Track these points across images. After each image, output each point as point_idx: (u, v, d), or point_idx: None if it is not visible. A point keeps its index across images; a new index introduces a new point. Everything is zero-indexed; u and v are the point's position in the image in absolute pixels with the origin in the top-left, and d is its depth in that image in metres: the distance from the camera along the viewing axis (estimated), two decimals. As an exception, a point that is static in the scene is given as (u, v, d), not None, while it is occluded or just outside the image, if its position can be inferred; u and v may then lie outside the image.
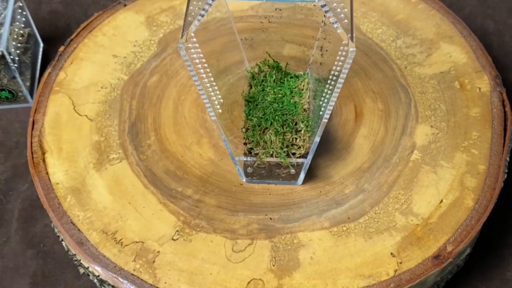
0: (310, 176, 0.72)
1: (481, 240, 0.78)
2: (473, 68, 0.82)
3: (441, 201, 0.70)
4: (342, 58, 0.60)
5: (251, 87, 0.76)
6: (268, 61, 0.77)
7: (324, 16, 0.69)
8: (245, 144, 0.71)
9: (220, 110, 0.70)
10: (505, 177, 0.72)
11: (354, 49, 0.55)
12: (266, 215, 0.69)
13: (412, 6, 0.91)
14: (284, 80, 0.76)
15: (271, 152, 0.68)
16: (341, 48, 0.60)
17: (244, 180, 0.72)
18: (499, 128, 0.76)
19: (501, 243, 0.79)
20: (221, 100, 0.72)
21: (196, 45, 0.63)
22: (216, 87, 0.70)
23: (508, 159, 0.73)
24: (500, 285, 0.76)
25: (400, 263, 0.65)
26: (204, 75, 0.66)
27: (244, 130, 0.71)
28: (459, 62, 0.83)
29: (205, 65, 0.66)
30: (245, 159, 0.69)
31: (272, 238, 0.67)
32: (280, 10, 0.89)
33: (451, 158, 0.73)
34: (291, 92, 0.74)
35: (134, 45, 0.85)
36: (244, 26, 0.88)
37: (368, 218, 0.68)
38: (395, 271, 0.64)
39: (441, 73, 0.82)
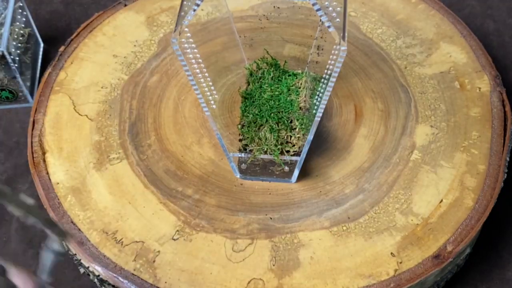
0: (310, 176, 0.72)
1: (481, 240, 0.78)
2: (473, 68, 0.82)
3: (441, 201, 0.70)
4: (335, 57, 0.60)
5: (248, 84, 0.76)
6: (267, 58, 0.77)
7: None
8: (240, 140, 0.71)
9: (214, 106, 0.70)
10: (505, 177, 0.72)
11: (346, 48, 0.55)
12: (266, 215, 0.69)
13: (412, 6, 0.91)
14: (282, 78, 0.76)
15: (265, 149, 0.68)
16: (334, 47, 0.60)
17: (238, 176, 0.72)
18: (499, 128, 0.76)
19: (501, 243, 0.80)
20: (216, 96, 0.72)
21: (191, 40, 0.63)
22: (211, 83, 0.70)
23: (508, 159, 0.73)
24: (500, 285, 0.76)
25: (400, 262, 0.65)
26: (198, 70, 0.66)
27: (239, 126, 0.72)
28: (459, 62, 0.83)
29: (200, 60, 0.66)
30: (238, 155, 0.69)
31: (272, 238, 0.67)
32: (279, 8, 0.89)
33: (451, 158, 0.73)
34: (288, 90, 0.74)
35: (134, 45, 0.85)
36: (244, 26, 0.88)
37: (368, 218, 0.68)
38: (395, 270, 0.64)
39: (441, 73, 0.82)
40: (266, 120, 0.70)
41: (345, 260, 0.65)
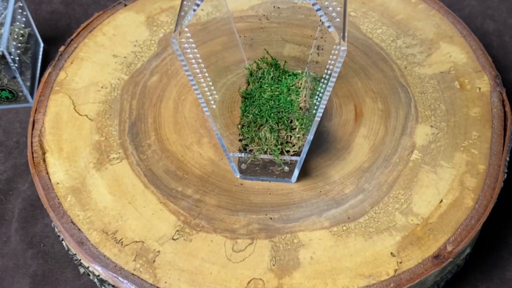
0: (310, 176, 0.72)
1: (481, 240, 0.78)
2: (473, 68, 0.82)
3: (441, 201, 0.70)
4: (335, 57, 0.60)
5: (248, 84, 0.76)
6: (267, 58, 0.77)
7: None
8: (240, 140, 0.71)
9: (214, 106, 0.70)
10: (505, 177, 0.72)
11: (346, 48, 0.55)
12: (266, 214, 0.69)
13: (412, 6, 0.91)
14: (282, 78, 0.76)
15: (265, 149, 0.68)
16: (334, 47, 0.60)
17: (238, 176, 0.72)
18: (499, 128, 0.76)
19: (501, 243, 0.80)
20: (216, 96, 0.72)
21: (191, 40, 0.63)
22: (211, 83, 0.70)
23: (508, 159, 0.73)
24: (500, 285, 0.76)
25: (400, 262, 0.65)
26: (198, 70, 0.66)
27: (239, 126, 0.72)
28: (459, 62, 0.83)
29: (200, 60, 0.66)
30: (239, 155, 0.69)
31: (272, 238, 0.67)
32: (279, 8, 0.89)
33: (451, 158, 0.73)
34: (288, 90, 0.74)
35: (134, 45, 0.86)
36: (244, 26, 0.88)
37: (368, 217, 0.68)
38: (395, 270, 0.64)
39: (441, 73, 0.82)
40: (266, 120, 0.70)
41: (345, 260, 0.65)
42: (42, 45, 1.01)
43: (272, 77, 0.76)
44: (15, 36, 0.92)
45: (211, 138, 0.76)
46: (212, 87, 0.72)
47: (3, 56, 0.85)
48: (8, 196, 0.84)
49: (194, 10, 0.57)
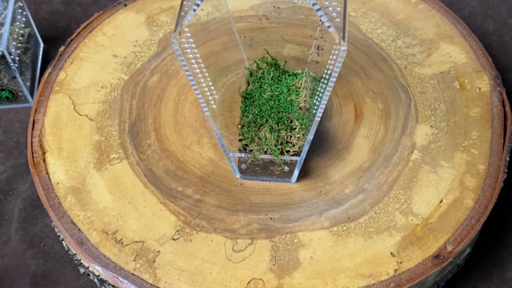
0: (310, 176, 0.72)
1: (481, 240, 0.78)
2: (473, 68, 0.82)
3: (441, 201, 0.70)
4: (335, 57, 0.60)
5: (248, 84, 0.76)
6: (267, 58, 0.77)
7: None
8: (240, 140, 0.71)
9: (214, 106, 0.70)
10: (505, 177, 0.72)
11: (346, 48, 0.55)
12: (266, 214, 0.69)
13: (412, 6, 0.91)
14: (282, 78, 0.76)
15: (265, 149, 0.68)
16: (334, 47, 0.60)
17: (238, 176, 0.72)
18: (499, 128, 0.76)
19: (501, 243, 0.80)
20: (216, 96, 0.72)
21: (191, 40, 0.63)
22: (210, 83, 0.70)
23: (508, 159, 0.73)
24: (500, 285, 0.76)
25: (400, 262, 0.65)
26: (198, 70, 0.66)
27: (239, 126, 0.72)
28: (459, 62, 0.83)
29: (200, 60, 0.66)
30: (239, 155, 0.69)
31: (272, 238, 0.67)
32: (279, 8, 0.89)
33: (451, 158, 0.73)
34: (288, 90, 0.74)
35: (134, 45, 0.86)
36: (244, 26, 0.88)
37: (368, 218, 0.68)
38: (395, 270, 0.64)
39: (441, 73, 0.82)
40: (266, 120, 0.70)
41: (345, 260, 0.65)
42: (42, 45, 1.01)
43: (272, 77, 0.76)
44: (15, 36, 0.92)
45: (211, 138, 0.76)
46: (212, 87, 0.72)
47: (3, 56, 0.85)
48: (8, 196, 0.84)
49: (194, 10, 0.57)
